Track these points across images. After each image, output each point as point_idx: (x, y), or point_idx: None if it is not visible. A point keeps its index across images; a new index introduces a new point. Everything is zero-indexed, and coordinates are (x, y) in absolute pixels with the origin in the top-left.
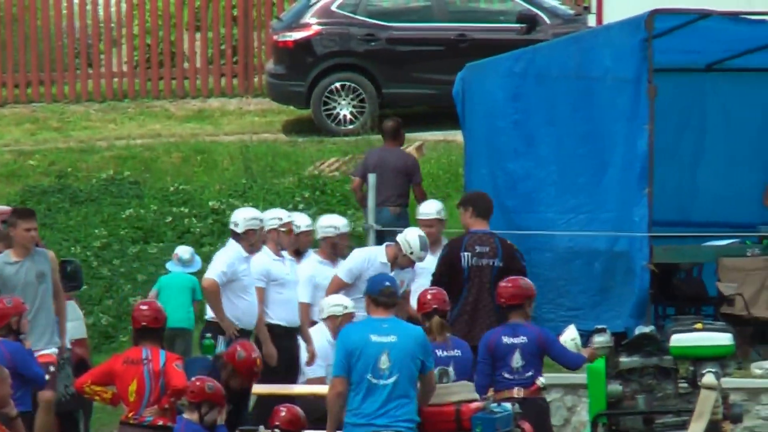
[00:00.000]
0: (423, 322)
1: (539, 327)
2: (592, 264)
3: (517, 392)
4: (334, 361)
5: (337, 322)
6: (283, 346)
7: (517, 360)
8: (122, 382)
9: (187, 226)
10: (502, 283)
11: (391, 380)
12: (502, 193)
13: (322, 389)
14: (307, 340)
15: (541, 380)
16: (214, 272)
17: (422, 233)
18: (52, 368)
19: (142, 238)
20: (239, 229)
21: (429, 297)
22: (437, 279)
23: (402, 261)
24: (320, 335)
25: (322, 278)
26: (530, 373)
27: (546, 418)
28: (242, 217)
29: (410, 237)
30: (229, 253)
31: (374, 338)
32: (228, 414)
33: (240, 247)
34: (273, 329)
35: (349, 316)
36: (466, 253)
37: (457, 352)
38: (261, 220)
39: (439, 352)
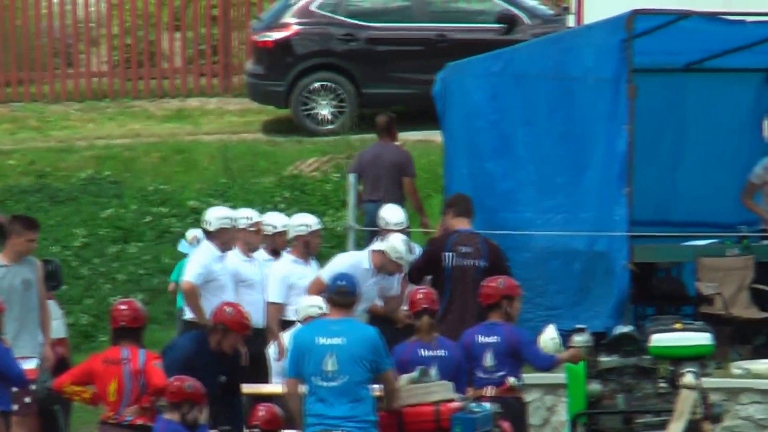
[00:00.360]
0: (413, 321)
1: (515, 327)
2: (571, 264)
3: (489, 391)
4: (288, 362)
5: None
6: (251, 347)
7: (489, 359)
8: (102, 382)
9: (167, 226)
10: (482, 283)
11: (339, 382)
12: (481, 192)
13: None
14: (276, 337)
15: (511, 380)
16: (190, 274)
17: (404, 237)
18: (27, 399)
19: (121, 238)
20: (212, 228)
21: (419, 296)
22: (414, 274)
23: (390, 267)
24: None
25: (297, 278)
26: (502, 373)
27: (519, 418)
28: (214, 215)
29: (395, 243)
30: (204, 253)
31: (320, 340)
32: (223, 385)
33: (213, 247)
34: None
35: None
36: (449, 253)
37: (442, 353)
38: (233, 219)
39: (423, 352)
